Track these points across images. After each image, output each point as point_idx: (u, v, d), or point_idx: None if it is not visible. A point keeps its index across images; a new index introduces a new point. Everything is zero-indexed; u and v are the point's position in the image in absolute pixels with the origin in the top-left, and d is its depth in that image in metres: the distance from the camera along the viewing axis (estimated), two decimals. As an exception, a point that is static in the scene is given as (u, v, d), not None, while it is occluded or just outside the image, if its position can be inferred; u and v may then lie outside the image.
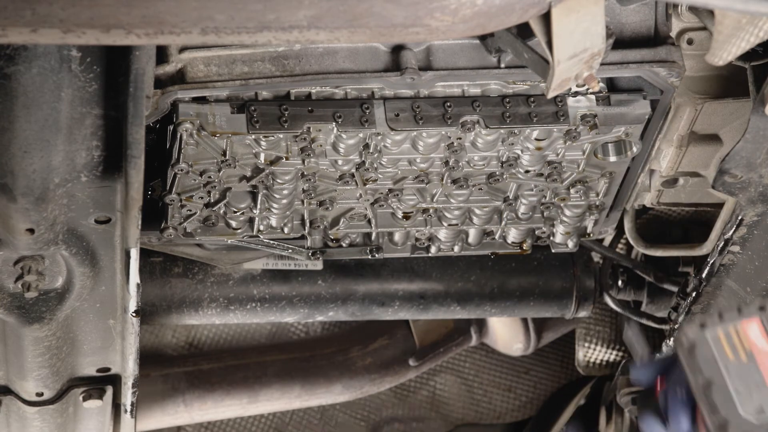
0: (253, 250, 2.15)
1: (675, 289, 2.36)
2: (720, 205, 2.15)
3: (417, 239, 2.12)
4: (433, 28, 1.34)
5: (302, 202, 1.98)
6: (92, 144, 1.58)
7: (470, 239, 2.14)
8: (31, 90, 1.46)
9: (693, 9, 1.85)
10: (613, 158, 1.95)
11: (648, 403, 1.66)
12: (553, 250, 2.18)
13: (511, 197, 2.04)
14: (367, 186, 1.95)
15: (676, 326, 2.29)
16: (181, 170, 1.82)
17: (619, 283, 2.52)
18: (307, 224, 2.04)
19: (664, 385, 1.63)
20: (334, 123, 1.79)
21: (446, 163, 1.92)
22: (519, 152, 1.93)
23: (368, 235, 2.10)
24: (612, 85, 1.90)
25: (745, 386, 1.44)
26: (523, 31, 1.56)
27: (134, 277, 1.77)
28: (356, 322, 3.03)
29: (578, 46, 1.51)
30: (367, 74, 1.76)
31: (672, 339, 2.33)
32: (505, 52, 1.73)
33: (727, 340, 1.46)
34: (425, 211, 2.06)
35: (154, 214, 1.96)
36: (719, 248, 2.07)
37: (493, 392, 3.32)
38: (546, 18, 1.45)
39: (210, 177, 1.87)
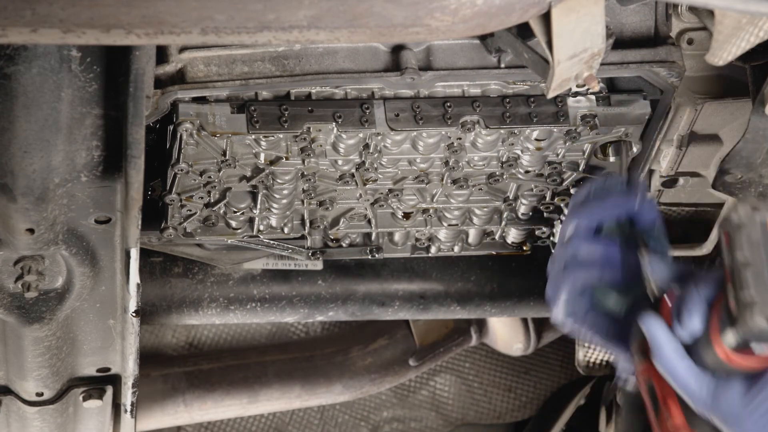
0: (253, 250, 2.15)
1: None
2: (720, 205, 2.15)
3: (417, 239, 2.12)
4: (433, 28, 1.34)
5: (302, 202, 1.98)
6: (92, 144, 1.58)
7: (470, 239, 2.14)
8: (31, 90, 1.46)
9: (693, 9, 1.85)
10: (612, 159, 1.95)
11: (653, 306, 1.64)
12: (553, 251, 2.18)
13: (511, 197, 2.04)
14: (367, 186, 1.95)
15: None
16: (181, 170, 1.82)
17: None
18: (307, 224, 2.04)
19: (673, 296, 1.60)
20: (334, 123, 1.79)
21: (446, 163, 1.92)
22: (519, 152, 1.93)
23: (368, 235, 2.10)
24: (612, 85, 1.90)
25: None
26: (523, 31, 1.56)
27: (134, 277, 1.77)
28: (356, 322, 3.03)
29: (578, 46, 1.51)
30: (367, 74, 1.76)
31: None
32: (505, 52, 1.73)
33: None
34: (425, 211, 2.06)
35: (154, 214, 1.95)
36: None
37: (493, 392, 3.32)
38: (546, 18, 1.45)
39: (210, 177, 1.87)
